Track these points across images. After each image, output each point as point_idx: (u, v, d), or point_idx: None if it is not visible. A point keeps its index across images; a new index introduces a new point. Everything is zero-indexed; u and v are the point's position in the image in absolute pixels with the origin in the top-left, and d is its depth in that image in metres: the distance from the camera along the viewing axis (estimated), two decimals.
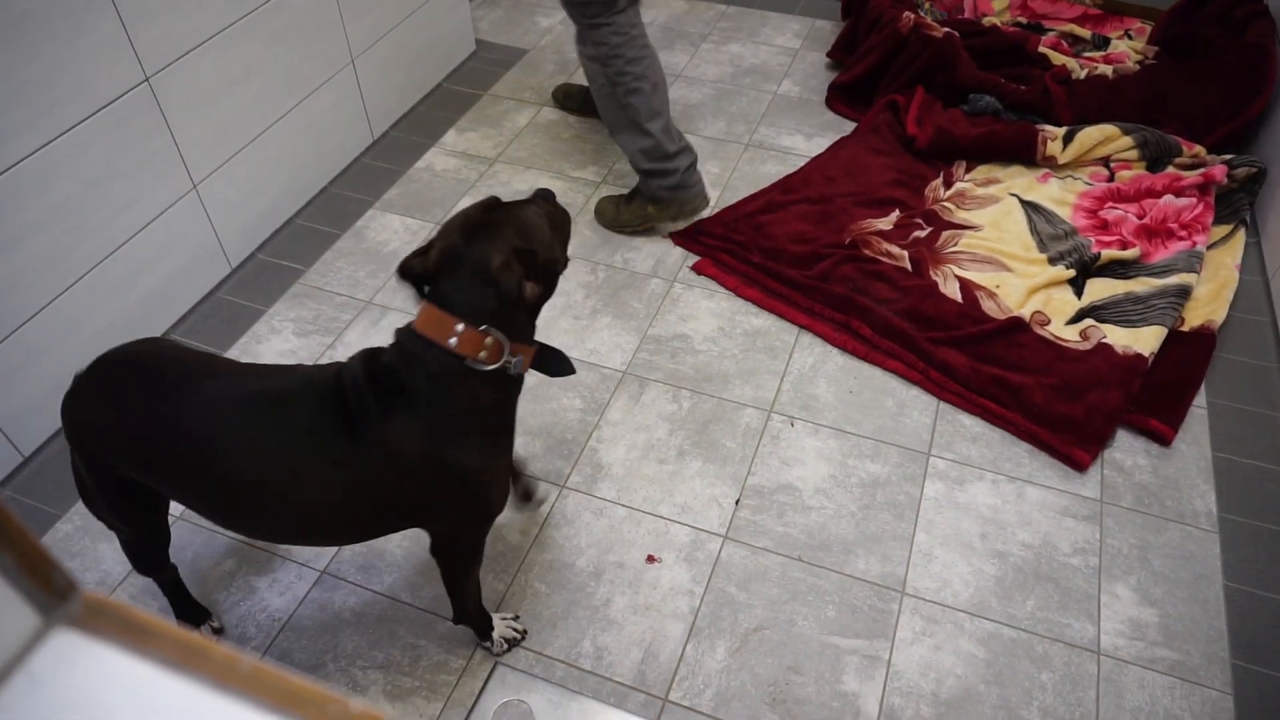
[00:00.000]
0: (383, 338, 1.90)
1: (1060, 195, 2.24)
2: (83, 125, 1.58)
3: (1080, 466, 1.67)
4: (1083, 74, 2.52)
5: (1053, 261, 2.05)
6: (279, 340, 1.91)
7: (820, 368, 1.86)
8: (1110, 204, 2.20)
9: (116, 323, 1.78)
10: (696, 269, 2.08)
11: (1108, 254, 2.04)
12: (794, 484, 1.65)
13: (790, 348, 1.90)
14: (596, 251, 2.14)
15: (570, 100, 2.55)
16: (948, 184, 2.29)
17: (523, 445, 1.70)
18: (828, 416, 1.76)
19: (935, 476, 1.66)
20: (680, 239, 2.15)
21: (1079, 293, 2.00)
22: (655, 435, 1.73)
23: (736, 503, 1.62)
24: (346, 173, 2.36)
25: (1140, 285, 1.98)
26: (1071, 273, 2.01)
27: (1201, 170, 2.21)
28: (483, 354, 1.04)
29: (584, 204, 2.28)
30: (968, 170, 2.34)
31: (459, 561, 1.27)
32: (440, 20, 2.62)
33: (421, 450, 1.05)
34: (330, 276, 2.07)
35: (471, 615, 1.35)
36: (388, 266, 2.08)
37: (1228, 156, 2.24)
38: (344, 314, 1.97)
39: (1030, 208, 2.20)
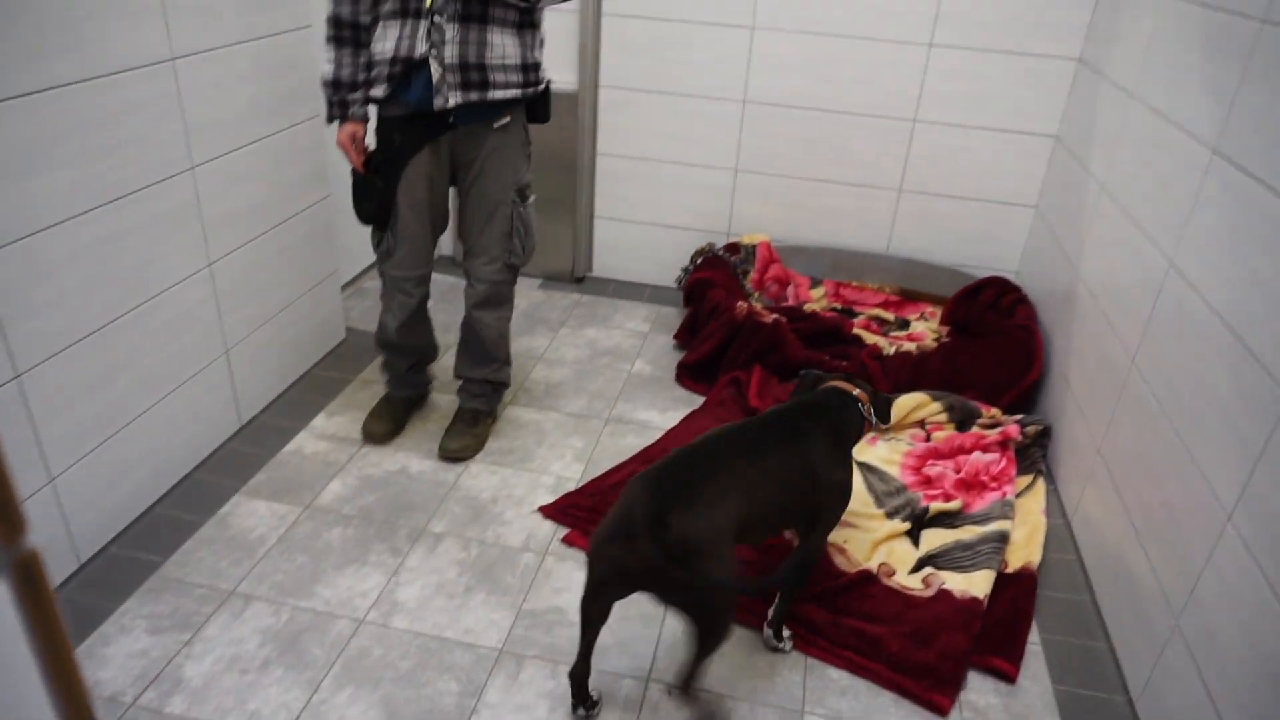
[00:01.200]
0: (246, 630, 1.83)
1: (888, 455, 2.51)
2: None
3: (942, 711, 1.77)
4: (891, 350, 2.92)
5: (890, 516, 2.27)
6: (129, 640, 1.80)
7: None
8: (931, 461, 2.49)
9: None
10: (567, 541, 2.15)
11: (935, 506, 2.28)
12: None
13: (662, 613, 1.96)
14: (468, 528, 2.18)
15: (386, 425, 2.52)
16: None
17: None
18: (704, 680, 1.80)
19: None
20: (549, 511, 2.24)
21: (916, 543, 2.20)
22: (536, 716, 1.71)
23: None
24: (212, 458, 2.36)
25: (966, 533, 2.21)
26: (907, 525, 2.23)
27: (1000, 429, 2.55)
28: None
29: (454, 481, 2.35)
30: None
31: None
32: (315, 311, 2.77)
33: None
34: (190, 567, 2.00)
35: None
36: (252, 554, 2.05)
37: (1019, 417, 2.61)
38: (204, 607, 1.90)
39: (865, 468, 2.45)
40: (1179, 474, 1.75)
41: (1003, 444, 2.51)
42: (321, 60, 2.13)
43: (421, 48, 2.02)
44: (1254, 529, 1.46)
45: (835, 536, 2.18)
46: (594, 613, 1.61)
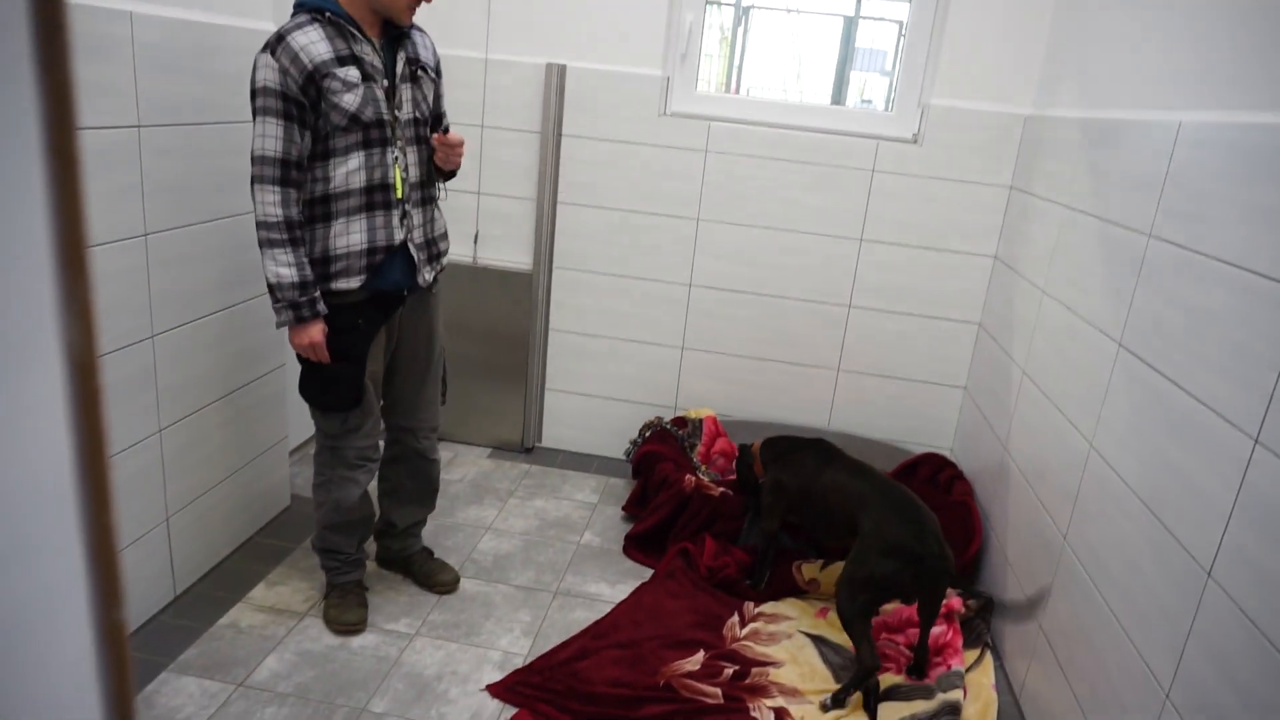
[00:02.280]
0: None
1: (839, 627, 2.52)
2: None
3: None
4: None
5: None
6: None
7: None
8: (883, 635, 2.50)
9: None
10: None
11: (886, 679, 2.28)
12: None
13: None
14: (411, 708, 2.10)
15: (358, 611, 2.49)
16: (743, 622, 2.53)
17: None
18: None
19: None
20: (497, 690, 2.18)
21: (873, 717, 2.18)
22: None
23: None
24: (141, 632, 2.25)
25: (919, 706, 2.21)
26: (859, 699, 2.21)
27: (944, 601, 2.59)
28: None
29: (397, 656, 2.28)
30: (756, 606, 2.61)
31: None
32: (260, 477, 2.75)
33: None
34: None
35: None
36: None
37: (959, 591, 2.66)
38: None
39: (817, 640, 2.45)
40: (1117, 650, 1.81)
41: (948, 616, 2.55)
42: (274, 266, 2.03)
43: (400, 235, 2.16)
44: (1190, 707, 1.51)
45: (794, 710, 2.16)
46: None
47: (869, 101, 5.55)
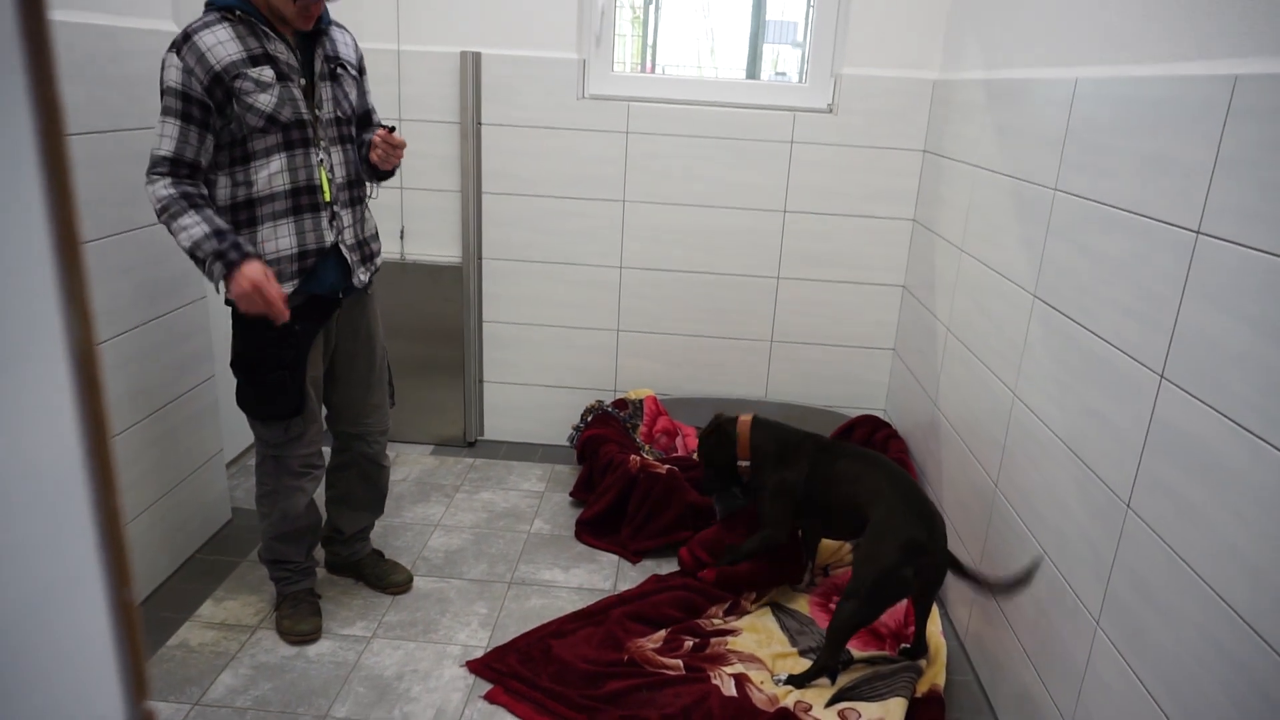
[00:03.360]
0: None
1: (795, 594, 2.60)
2: None
3: None
4: None
5: (803, 654, 2.32)
6: None
7: None
8: (836, 598, 2.57)
9: None
10: (489, 698, 2.11)
11: (857, 654, 2.36)
12: None
13: None
14: (373, 709, 2.10)
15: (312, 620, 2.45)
16: (734, 613, 2.54)
17: None
18: None
19: None
20: (476, 666, 2.24)
21: (834, 681, 2.25)
22: None
23: None
24: None
25: (881, 666, 2.28)
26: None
27: None
28: None
29: (356, 660, 2.27)
30: (756, 600, 2.60)
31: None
32: (199, 492, 2.69)
33: None
34: None
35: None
36: None
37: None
38: None
39: (776, 608, 2.52)
40: (1050, 587, 1.90)
41: None
42: (183, 233, 1.91)
43: (330, 237, 2.12)
44: (1119, 631, 1.61)
45: (753, 676, 2.21)
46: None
47: (783, 74, 5.62)
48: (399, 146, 2.14)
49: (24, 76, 0.29)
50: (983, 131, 2.54)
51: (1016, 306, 2.19)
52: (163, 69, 1.93)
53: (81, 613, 0.34)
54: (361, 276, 2.23)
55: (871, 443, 3.19)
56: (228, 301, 2.02)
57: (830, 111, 3.19)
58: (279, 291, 1.96)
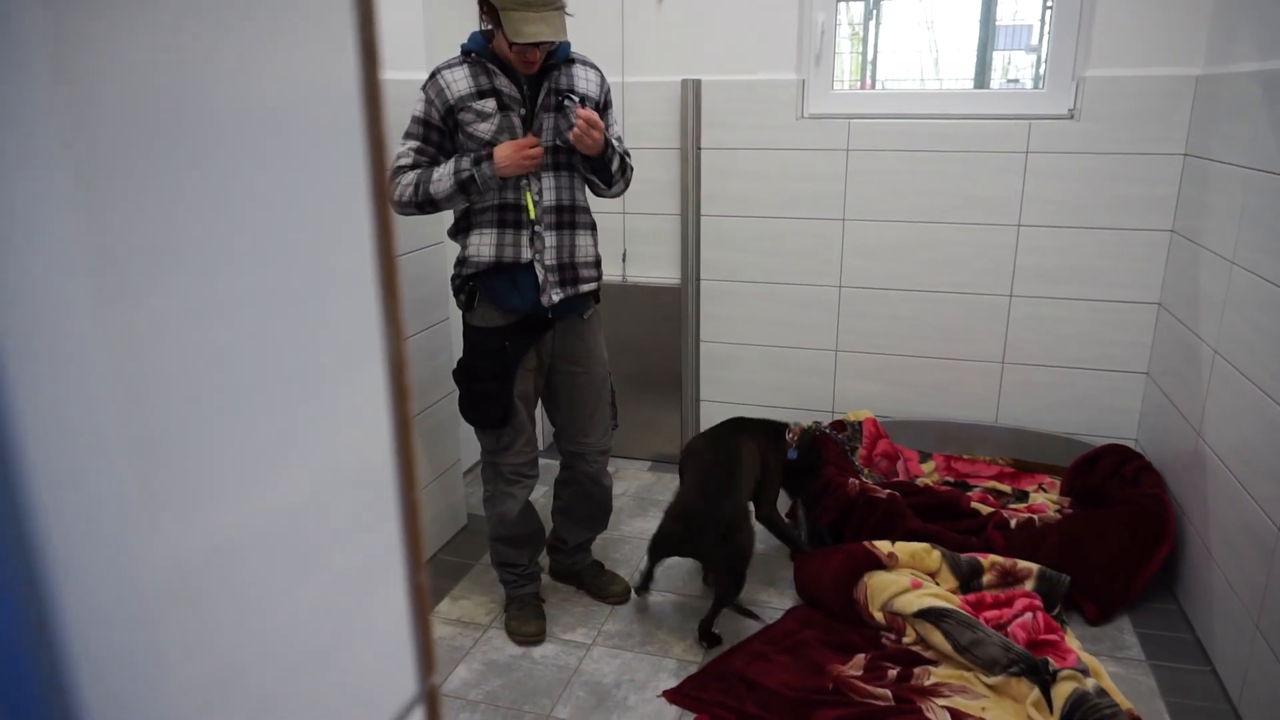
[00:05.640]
0: None
1: (947, 597, 2.44)
2: None
3: None
4: (1013, 523, 2.86)
5: (1008, 670, 2.17)
6: None
7: None
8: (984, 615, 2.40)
9: None
10: None
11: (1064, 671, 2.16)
12: None
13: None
14: (592, 714, 2.17)
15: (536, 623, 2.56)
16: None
17: None
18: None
19: None
20: (673, 696, 2.22)
21: (1050, 704, 2.06)
22: None
23: None
24: None
25: (1083, 683, 2.07)
26: (1036, 690, 2.10)
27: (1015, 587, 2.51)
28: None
29: (577, 665, 2.36)
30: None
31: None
32: (439, 498, 2.92)
33: None
34: None
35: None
36: None
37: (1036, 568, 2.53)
38: None
39: (937, 618, 2.36)
40: None
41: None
42: (425, 188, 2.18)
43: (528, 254, 2.27)
44: None
45: (973, 707, 2.07)
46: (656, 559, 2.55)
47: (1015, 81, 5.30)
48: (594, 126, 2.14)
49: (362, 119, 0.34)
50: (1259, 130, 2.26)
51: None
52: (417, 101, 2.25)
53: (388, 593, 0.38)
54: (553, 296, 2.28)
55: (1121, 476, 2.90)
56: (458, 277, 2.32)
57: (1071, 118, 2.97)
58: (525, 140, 2.17)
